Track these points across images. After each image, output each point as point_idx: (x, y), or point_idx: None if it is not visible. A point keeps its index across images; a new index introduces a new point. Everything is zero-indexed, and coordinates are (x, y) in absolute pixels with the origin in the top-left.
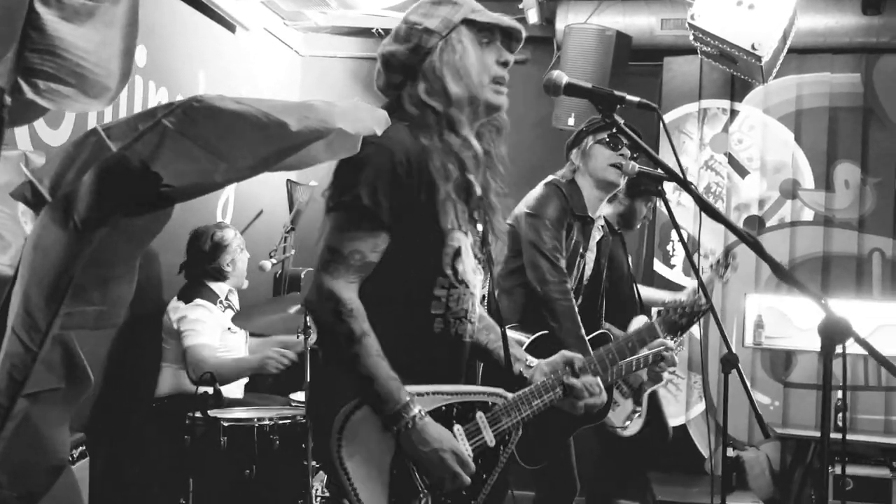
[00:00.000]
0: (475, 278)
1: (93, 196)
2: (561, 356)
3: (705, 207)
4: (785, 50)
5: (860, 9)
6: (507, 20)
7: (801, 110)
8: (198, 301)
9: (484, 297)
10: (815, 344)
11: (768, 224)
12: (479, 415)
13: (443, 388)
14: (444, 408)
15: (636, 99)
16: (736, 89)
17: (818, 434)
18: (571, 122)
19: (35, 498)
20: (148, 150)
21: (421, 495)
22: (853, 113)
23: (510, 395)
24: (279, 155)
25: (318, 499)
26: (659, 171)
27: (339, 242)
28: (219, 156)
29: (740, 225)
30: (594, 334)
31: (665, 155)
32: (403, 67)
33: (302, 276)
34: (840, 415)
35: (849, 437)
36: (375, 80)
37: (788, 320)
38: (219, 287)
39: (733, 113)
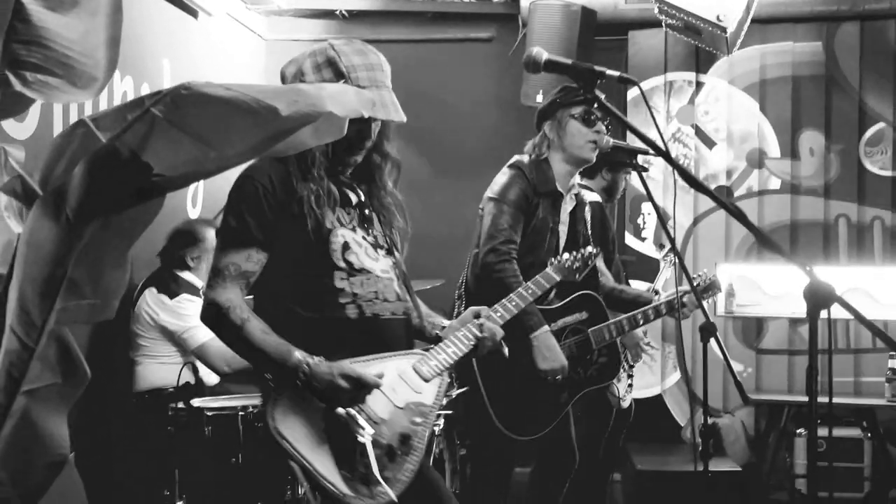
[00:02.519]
0: (376, 265)
1: (84, 188)
2: (469, 311)
3: (687, 177)
4: (748, 20)
5: None
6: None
7: (764, 80)
8: (185, 296)
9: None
10: (785, 311)
11: (736, 194)
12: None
13: (360, 358)
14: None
15: (616, 73)
16: (701, 61)
17: (790, 398)
18: (540, 98)
19: (37, 495)
20: (137, 139)
21: (358, 436)
22: (815, 81)
23: (422, 351)
24: (270, 140)
25: (306, 487)
26: (632, 144)
27: (217, 261)
28: (209, 144)
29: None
30: (578, 294)
31: (644, 127)
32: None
33: None
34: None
35: (820, 399)
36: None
37: (759, 288)
38: (192, 280)
39: (699, 85)
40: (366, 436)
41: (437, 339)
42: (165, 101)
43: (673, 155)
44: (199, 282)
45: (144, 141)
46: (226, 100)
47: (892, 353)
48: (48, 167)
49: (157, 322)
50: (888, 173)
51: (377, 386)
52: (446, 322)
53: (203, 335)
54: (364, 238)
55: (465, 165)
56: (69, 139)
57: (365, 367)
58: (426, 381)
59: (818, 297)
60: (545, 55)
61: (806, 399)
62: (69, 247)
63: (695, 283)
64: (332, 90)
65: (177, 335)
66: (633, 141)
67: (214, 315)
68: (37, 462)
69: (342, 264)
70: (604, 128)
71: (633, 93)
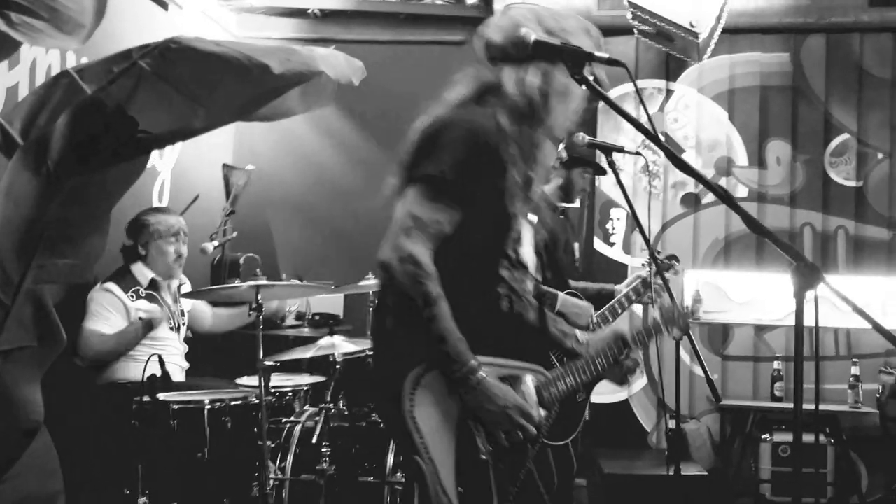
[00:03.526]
0: (531, 263)
1: (66, 139)
2: (611, 331)
3: (677, 162)
4: (719, 29)
5: None
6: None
7: (733, 89)
8: (108, 286)
9: None
10: (750, 317)
11: (704, 201)
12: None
13: (496, 360)
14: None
15: (605, 55)
16: (671, 69)
17: (756, 404)
18: None
19: (10, 461)
20: (124, 93)
21: (483, 455)
22: (783, 92)
23: (549, 373)
24: (260, 100)
25: (273, 480)
26: (609, 142)
27: (421, 211)
28: (198, 100)
29: (677, 203)
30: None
31: (614, 134)
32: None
33: (241, 261)
34: (777, 384)
35: (784, 405)
36: (485, 43)
37: (725, 295)
38: (140, 272)
39: (669, 92)
40: (489, 459)
41: (568, 352)
42: (154, 54)
43: (642, 162)
44: (148, 273)
45: (131, 94)
46: (216, 55)
47: (854, 359)
48: (30, 117)
49: None
50: (852, 183)
51: (536, 439)
52: (583, 336)
53: (87, 321)
54: (527, 232)
55: None
56: (52, 89)
57: (502, 370)
58: (544, 407)
59: (805, 278)
60: (533, 36)
61: (770, 405)
62: (49, 200)
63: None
64: (324, 52)
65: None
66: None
67: (411, 273)
68: (10, 428)
69: (511, 253)
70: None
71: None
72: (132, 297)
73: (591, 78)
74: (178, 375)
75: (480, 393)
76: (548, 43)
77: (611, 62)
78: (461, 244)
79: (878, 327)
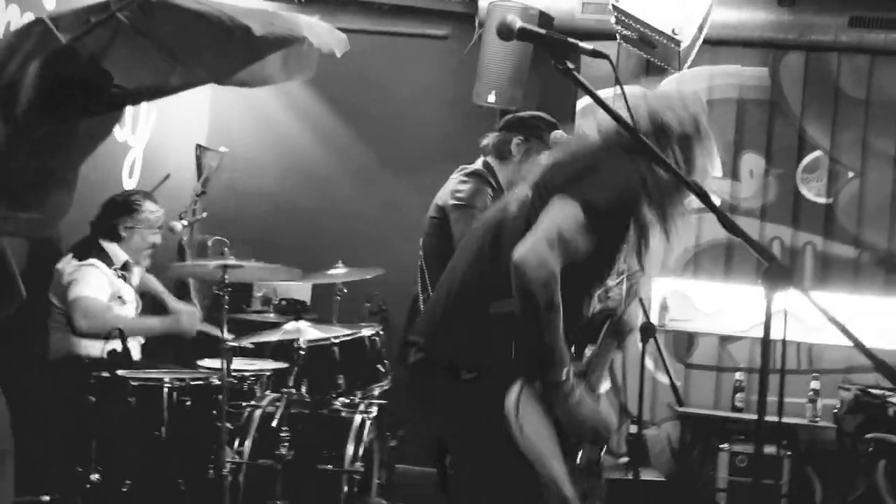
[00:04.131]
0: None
1: (36, 88)
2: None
3: (655, 158)
4: (701, 39)
5: (772, 4)
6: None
7: (711, 100)
8: (91, 261)
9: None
10: (716, 328)
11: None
12: None
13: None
14: None
15: (589, 47)
16: (651, 77)
17: (717, 413)
18: (492, 98)
19: None
20: (99, 44)
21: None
22: (760, 105)
23: None
24: (240, 62)
25: (230, 463)
26: (550, 117)
27: (569, 231)
28: (176, 57)
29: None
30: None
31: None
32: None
33: (209, 243)
34: (738, 395)
35: (744, 415)
36: (640, 116)
37: (692, 304)
38: (114, 252)
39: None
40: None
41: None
42: (133, 6)
43: None
44: (122, 255)
45: (107, 47)
46: (197, 13)
47: (815, 374)
48: (0, 63)
49: (57, 283)
50: (822, 200)
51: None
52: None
53: (80, 290)
54: None
55: (411, 159)
56: (25, 36)
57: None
58: None
59: (776, 278)
60: (519, 23)
61: (730, 415)
62: (16, 149)
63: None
64: (308, 20)
65: (62, 282)
66: None
67: (544, 279)
68: None
69: (592, 296)
70: None
71: (582, 102)
72: (116, 273)
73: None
74: (135, 352)
75: (574, 401)
76: (533, 30)
77: (595, 54)
78: (573, 273)
79: (846, 332)
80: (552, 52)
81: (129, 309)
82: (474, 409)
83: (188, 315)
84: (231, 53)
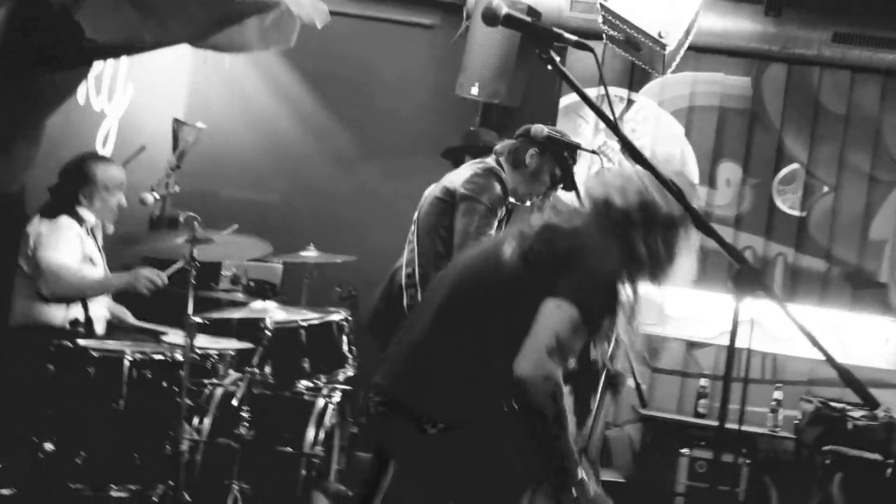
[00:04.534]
0: None
1: (3, 37)
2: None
3: (632, 150)
4: (686, 44)
5: (758, 15)
6: None
7: (693, 107)
8: (62, 219)
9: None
10: (683, 333)
11: None
12: None
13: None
14: None
15: (573, 38)
16: (634, 79)
17: (679, 418)
18: (475, 91)
19: None
20: None
21: None
22: (741, 115)
23: None
24: (216, 24)
25: (188, 440)
26: (568, 138)
27: (566, 336)
28: (151, 13)
29: None
30: None
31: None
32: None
33: (181, 219)
34: (701, 401)
35: (706, 421)
36: (630, 191)
37: (661, 309)
38: (84, 213)
39: (630, 102)
40: None
41: None
42: None
43: (596, 167)
44: (91, 217)
45: None
46: None
47: (778, 384)
48: None
49: (25, 247)
50: (796, 213)
51: None
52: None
53: (49, 253)
54: None
55: (390, 147)
56: None
57: None
58: None
59: (745, 282)
60: (504, 9)
61: (693, 420)
62: None
63: None
64: None
65: (31, 244)
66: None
67: (551, 393)
68: None
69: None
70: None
71: (565, 100)
72: (86, 231)
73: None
74: (99, 324)
75: (585, 494)
76: (518, 17)
77: (579, 45)
78: None
79: (814, 341)
80: (537, 41)
81: (98, 271)
82: (439, 461)
83: (148, 271)
84: (207, 13)
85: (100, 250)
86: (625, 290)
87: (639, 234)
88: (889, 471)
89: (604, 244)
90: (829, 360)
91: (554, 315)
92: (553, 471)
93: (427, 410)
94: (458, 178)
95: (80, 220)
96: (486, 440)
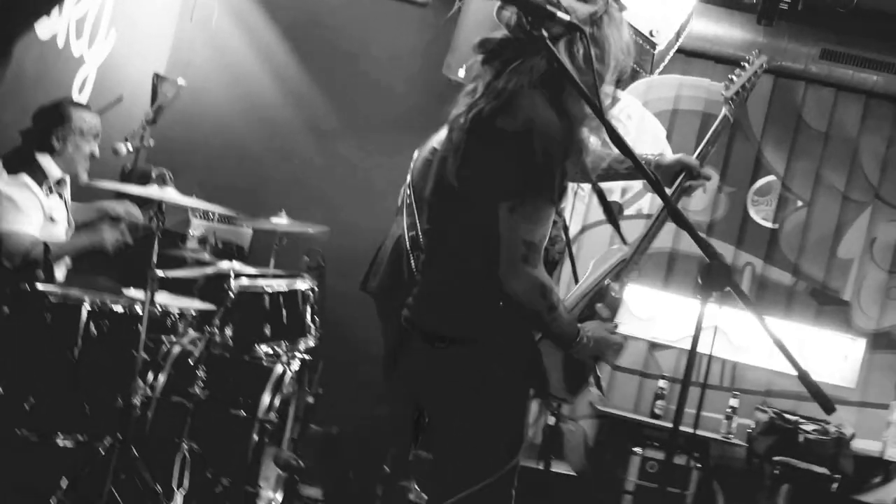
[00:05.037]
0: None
1: None
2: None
3: (616, 139)
4: (676, 46)
5: (750, 24)
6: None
7: (677, 110)
8: (23, 178)
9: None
10: (647, 333)
11: (626, 212)
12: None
13: (576, 296)
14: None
15: (566, 17)
16: (621, 77)
17: (635, 417)
18: (461, 73)
19: None
20: None
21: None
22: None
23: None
24: None
25: (141, 395)
26: None
27: (531, 234)
28: None
29: (600, 208)
30: None
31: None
32: (571, 25)
33: (153, 174)
34: (658, 402)
35: (661, 423)
36: (512, 17)
37: (627, 307)
38: (49, 167)
39: (614, 99)
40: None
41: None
42: None
43: None
44: (56, 171)
45: None
46: None
47: (735, 392)
48: None
49: None
50: (769, 224)
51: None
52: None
53: (11, 224)
54: None
55: (372, 123)
56: None
57: (585, 300)
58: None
59: (714, 276)
60: None
61: (648, 420)
62: None
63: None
64: None
65: None
66: None
67: (539, 295)
68: None
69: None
70: None
71: None
72: (45, 191)
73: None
74: (59, 270)
75: (585, 350)
76: None
77: (571, 26)
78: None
79: (774, 339)
80: (530, 16)
81: (59, 229)
82: (447, 373)
83: (111, 231)
84: None
85: (65, 205)
86: (576, 132)
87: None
88: (835, 486)
89: (538, 123)
90: (790, 359)
91: (513, 223)
92: (554, 339)
93: (435, 326)
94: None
95: (43, 177)
96: (492, 355)
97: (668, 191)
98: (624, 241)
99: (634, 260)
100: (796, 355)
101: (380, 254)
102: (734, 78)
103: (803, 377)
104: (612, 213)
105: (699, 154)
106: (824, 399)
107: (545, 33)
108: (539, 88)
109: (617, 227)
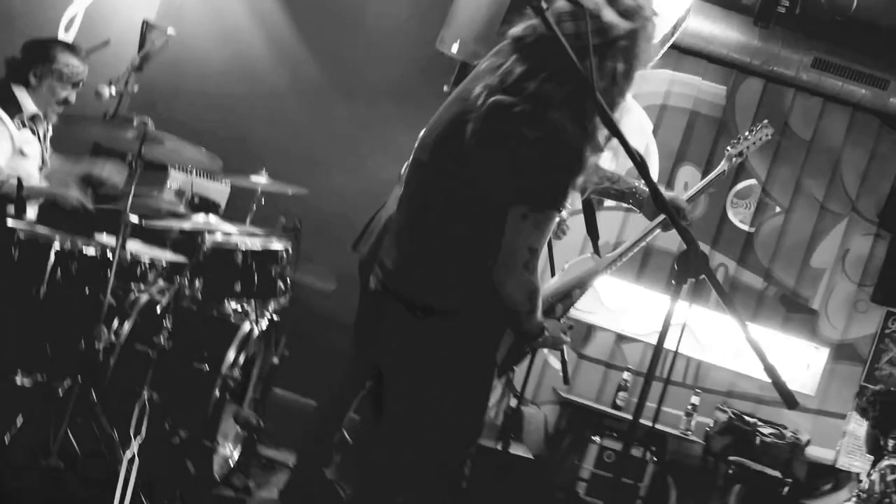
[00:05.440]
0: None
1: None
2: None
3: (605, 118)
4: (671, 41)
5: (746, 26)
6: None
7: (666, 105)
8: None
9: None
10: (616, 325)
11: (606, 203)
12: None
13: (550, 287)
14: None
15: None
16: None
17: (597, 406)
18: (454, 49)
19: None
20: None
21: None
22: (710, 122)
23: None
24: None
25: (104, 340)
26: None
27: (538, 242)
28: None
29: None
30: None
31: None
32: (608, 43)
33: (133, 121)
34: (621, 393)
35: (622, 414)
36: (567, 25)
37: (598, 298)
38: (24, 100)
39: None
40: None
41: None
42: None
43: None
44: (31, 106)
45: None
46: None
47: (697, 390)
48: None
49: None
50: (745, 227)
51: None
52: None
53: None
54: None
55: (362, 90)
56: None
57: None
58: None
59: (690, 264)
60: None
61: (609, 411)
62: None
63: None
64: None
65: None
66: None
67: (529, 300)
68: None
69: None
70: None
71: None
72: (16, 124)
73: None
74: (32, 208)
75: (541, 344)
76: None
77: (573, 2)
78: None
79: (745, 331)
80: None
81: (30, 164)
82: (422, 344)
83: (79, 196)
84: None
85: (40, 141)
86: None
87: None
88: (786, 489)
89: (559, 134)
90: (757, 351)
91: (521, 226)
92: (519, 333)
93: (418, 295)
94: None
95: (17, 110)
96: (469, 330)
97: (650, 225)
98: (598, 252)
99: (603, 272)
100: (759, 364)
101: (375, 219)
102: (741, 138)
103: (769, 370)
104: (595, 228)
105: (690, 198)
106: (787, 394)
107: (594, 41)
108: (568, 102)
109: (595, 241)
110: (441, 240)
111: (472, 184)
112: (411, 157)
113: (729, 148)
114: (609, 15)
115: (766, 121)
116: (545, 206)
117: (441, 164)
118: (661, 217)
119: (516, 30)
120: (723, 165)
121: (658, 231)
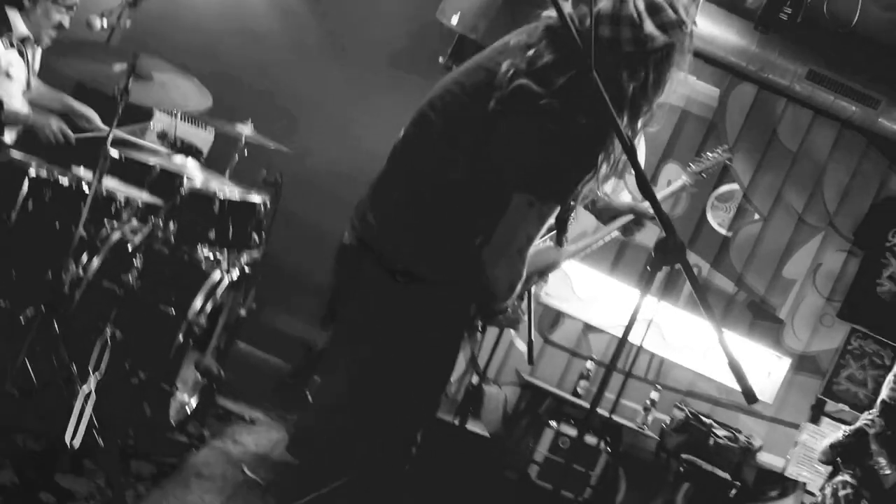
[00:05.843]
0: None
1: None
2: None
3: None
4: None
5: (746, 31)
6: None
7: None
8: None
9: None
10: (585, 315)
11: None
12: None
13: None
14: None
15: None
16: None
17: (557, 392)
18: (454, 20)
19: None
20: None
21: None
22: (700, 122)
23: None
24: None
25: (72, 273)
26: None
27: (537, 231)
28: None
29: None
30: None
31: None
32: (643, 53)
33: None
34: (582, 381)
35: (581, 402)
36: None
37: (570, 285)
38: (15, 21)
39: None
40: None
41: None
42: None
43: None
44: (22, 28)
45: None
46: None
47: (657, 386)
48: None
49: None
50: (723, 231)
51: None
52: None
53: None
54: None
55: (356, 54)
56: None
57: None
58: None
59: (668, 252)
60: None
61: (568, 397)
62: None
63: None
64: None
65: None
66: None
67: (508, 287)
68: None
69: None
70: None
71: None
72: (4, 44)
73: None
74: (9, 134)
75: (500, 322)
76: None
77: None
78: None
79: (712, 320)
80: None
81: (14, 86)
82: (400, 309)
83: (59, 124)
84: None
85: (27, 64)
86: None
87: (625, 70)
88: (733, 492)
89: (575, 128)
90: (721, 343)
91: (525, 214)
92: (484, 311)
93: (401, 260)
94: None
95: (7, 30)
96: (448, 301)
97: (608, 228)
98: (560, 244)
99: (563, 262)
100: (721, 367)
101: None
102: (702, 159)
103: (732, 362)
104: (565, 223)
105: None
106: (748, 388)
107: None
108: (594, 106)
109: (560, 234)
110: (432, 206)
111: (480, 158)
112: (418, 110)
113: (691, 164)
114: (650, 27)
115: (727, 145)
116: (553, 199)
117: (452, 128)
118: (617, 222)
119: (551, 17)
120: (684, 180)
121: (616, 233)
